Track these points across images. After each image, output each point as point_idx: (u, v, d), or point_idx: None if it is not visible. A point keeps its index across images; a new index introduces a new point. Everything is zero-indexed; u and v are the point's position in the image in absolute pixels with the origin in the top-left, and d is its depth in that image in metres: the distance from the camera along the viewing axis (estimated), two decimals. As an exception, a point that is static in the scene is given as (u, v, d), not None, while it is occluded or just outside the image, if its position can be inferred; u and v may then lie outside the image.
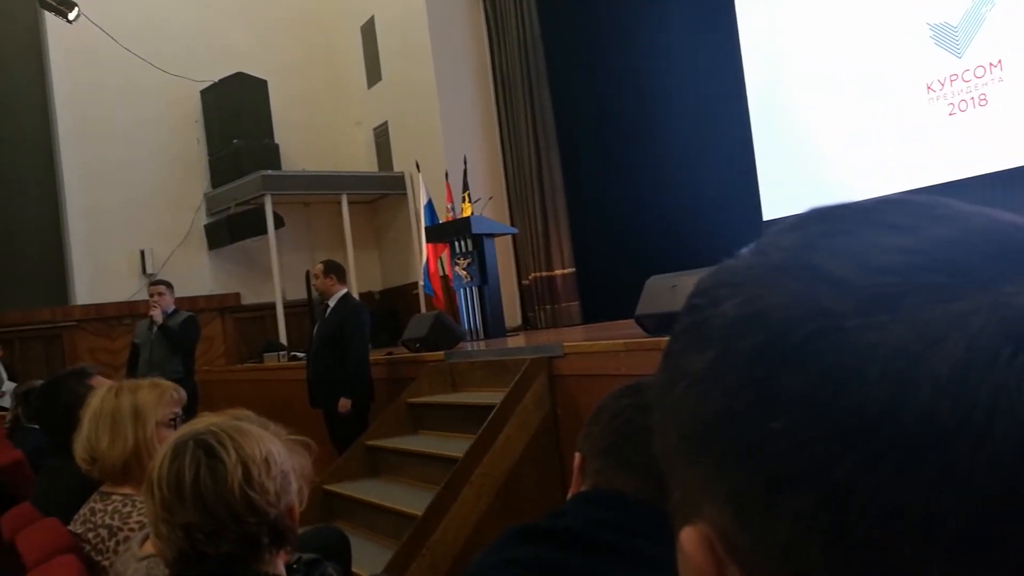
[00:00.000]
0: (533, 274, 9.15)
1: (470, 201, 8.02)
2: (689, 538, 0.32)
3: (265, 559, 1.20)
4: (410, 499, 3.93)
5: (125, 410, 1.95)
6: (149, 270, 9.70)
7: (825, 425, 0.27)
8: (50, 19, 8.61)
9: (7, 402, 7.63)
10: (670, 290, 3.49)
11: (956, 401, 0.25)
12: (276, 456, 1.26)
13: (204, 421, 1.32)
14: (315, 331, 5.33)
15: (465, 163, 8.28)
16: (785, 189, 7.22)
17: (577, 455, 1.00)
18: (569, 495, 0.97)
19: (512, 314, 8.65)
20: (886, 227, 0.30)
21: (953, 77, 5.75)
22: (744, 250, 0.35)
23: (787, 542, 0.27)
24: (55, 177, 9.69)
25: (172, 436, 1.33)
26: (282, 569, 1.28)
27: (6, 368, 8.42)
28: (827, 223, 0.32)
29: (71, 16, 8.06)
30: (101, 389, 2.08)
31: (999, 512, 0.24)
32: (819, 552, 0.27)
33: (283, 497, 1.22)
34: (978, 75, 5.60)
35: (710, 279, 0.34)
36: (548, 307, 9.00)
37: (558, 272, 8.95)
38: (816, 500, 0.26)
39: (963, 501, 0.24)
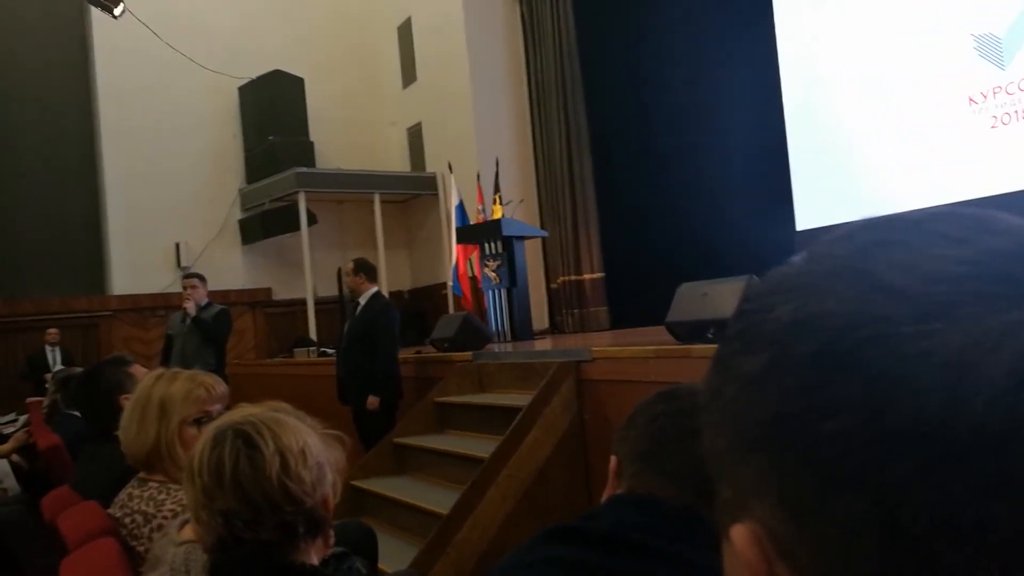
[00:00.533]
0: (562, 278, 9.15)
1: (501, 203, 8.04)
2: (740, 535, 0.32)
3: (300, 548, 1.23)
4: (436, 497, 3.96)
5: (154, 402, 1.98)
6: (184, 263, 9.87)
7: (879, 429, 0.27)
8: (95, 14, 8.79)
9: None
10: (701, 298, 3.48)
11: (1010, 409, 0.25)
12: (312, 448, 1.28)
13: (242, 412, 1.35)
14: (346, 328, 5.38)
15: (497, 165, 8.31)
16: (821, 200, 7.14)
17: (612, 458, 1.01)
18: (603, 497, 0.99)
19: (540, 317, 8.66)
20: (939, 238, 0.31)
21: (996, 89, 5.65)
22: (795, 258, 0.36)
23: (838, 542, 0.28)
24: (96, 170, 9.90)
25: (212, 425, 1.36)
26: (315, 559, 1.30)
27: (63, 353, 8.64)
28: (880, 233, 0.33)
29: (116, 12, 8.21)
30: (149, 376, 2.13)
31: None
32: (870, 553, 0.27)
33: (318, 488, 1.25)
34: (1023, 88, 5.50)
35: (762, 285, 0.35)
36: (576, 311, 8.99)
37: (587, 276, 8.94)
38: (868, 502, 0.27)
39: (1016, 507, 0.25)
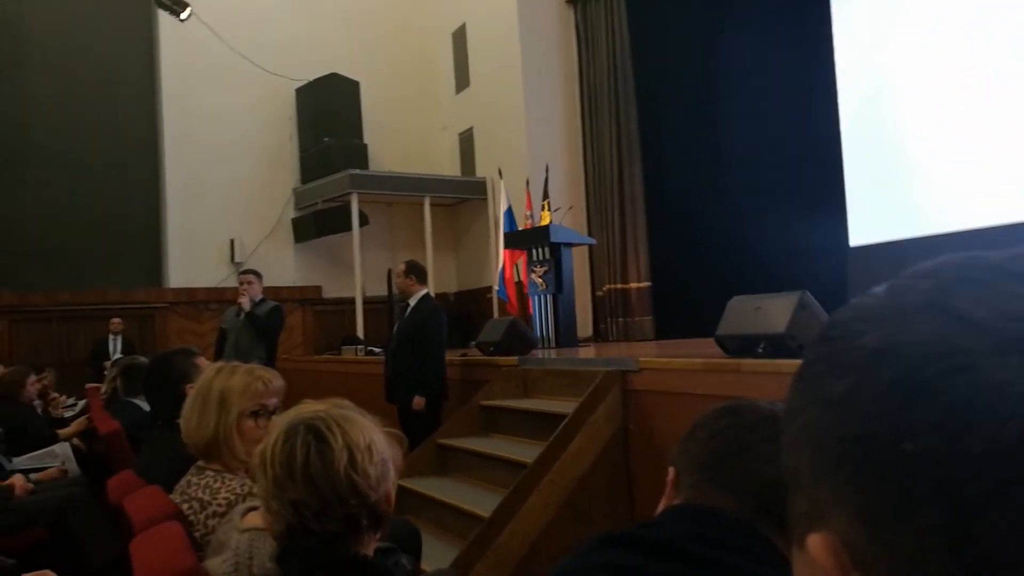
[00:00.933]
0: (608, 286, 9.14)
1: (549, 210, 8.07)
2: (817, 544, 0.35)
3: (363, 540, 1.28)
4: (478, 499, 4.00)
5: (214, 394, 2.06)
6: (237, 259, 10.13)
7: (957, 451, 0.30)
8: (163, 17, 9.10)
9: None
10: (753, 312, 3.46)
11: None
12: (378, 444, 1.34)
13: (311, 407, 1.41)
14: (395, 329, 5.47)
15: (547, 172, 8.35)
16: (877, 215, 7.02)
17: (671, 469, 1.03)
18: (660, 508, 1.01)
19: (584, 324, 8.66)
20: (1017, 278, 0.34)
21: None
22: (876, 289, 0.39)
23: (913, 555, 0.31)
24: (157, 166, 10.21)
25: (281, 418, 1.42)
26: (372, 550, 1.36)
27: (125, 342, 8.94)
28: (963, 271, 0.35)
29: (183, 15, 8.50)
30: (210, 368, 2.21)
31: None
32: (944, 566, 0.30)
33: (382, 483, 1.30)
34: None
35: (845, 314, 0.38)
36: (621, 320, 8.97)
37: (633, 286, 8.92)
38: (945, 518, 0.30)
39: None
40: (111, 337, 9.02)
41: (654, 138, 9.03)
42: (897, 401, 0.32)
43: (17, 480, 3.99)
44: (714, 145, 8.48)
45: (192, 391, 2.20)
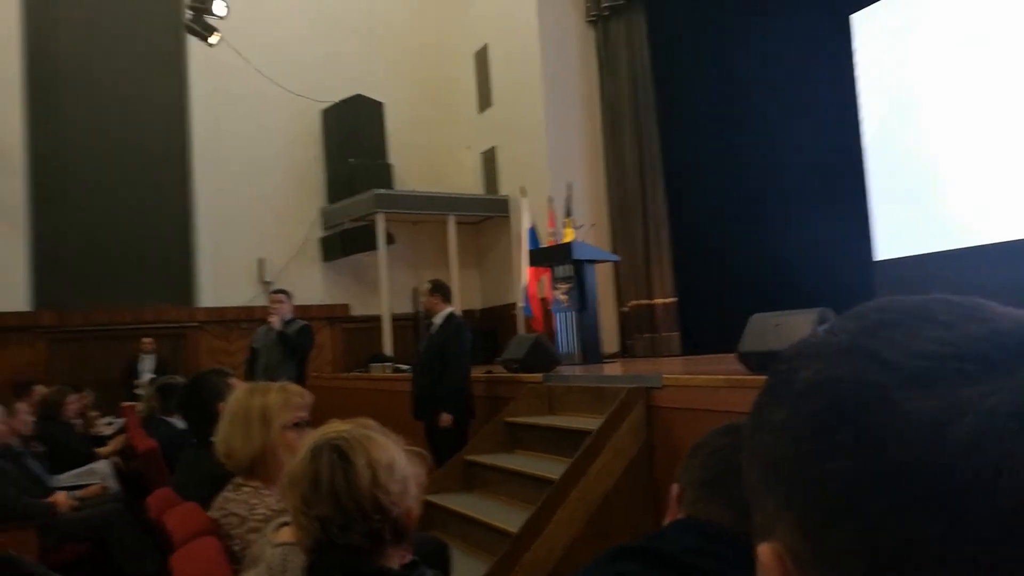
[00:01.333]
0: (633, 302, 9.16)
1: (573, 227, 8.13)
2: (764, 552, 0.41)
3: (386, 554, 1.35)
4: (504, 515, 4.05)
5: (255, 412, 2.15)
6: (266, 278, 10.31)
7: (867, 472, 0.36)
8: (192, 41, 9.35)
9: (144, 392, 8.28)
10: (773, 328, 3.49)
11: (970, 461, 0.34)
12: (399, 462, 1.41)
13: (335, 427, 1.49)
14: (421, 347, 5.55)
15: (569, 189, 8.41)
16: (902, 230, 6.99)
17: (675, 485, 1.09)
18: (665, 522, 1.07)
19: (610, 340, 8.69)
20: (930, 322, 0.39)
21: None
22: (820, 328, 0.45)
23: (835, 560, 0.37)
24: (187, 188, 10.45)
25: (308, 438, 1.50)
26: (396, 564, 1.42)
27: (157, 361, 9.14)
28: (882, 315, 0.41)
29: (212, 40, 8.73)
30: (238, 390, 2.30)
31: (999, 549, 0.33)
32: (858, 568, 0.36)
33: (403, 499, 1.38)
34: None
35: (793, 350, 0.44)
36: (647, 336, 8.99)
37: (659, 301, 8.93)
38: (858, 529, 0.36)
39: (971, 539, 0.33)
40: (142, 356, 9.21)
41: (676, 154, 9.07)
42: (821, 428, 0.38)
43: (60, 497, 4.12)
44: (737, 160, 8.50)
45: (227, 413, 2.29)
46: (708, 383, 3.64)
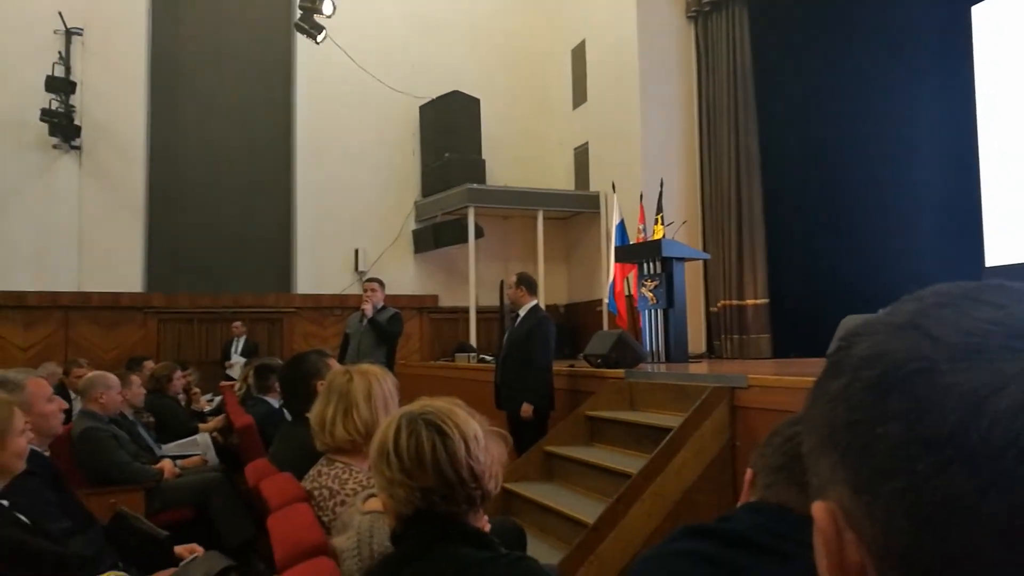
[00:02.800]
0: (722, 302, 9.00)
1: (663, 224, 8.05)
2: (819, 509, 0.46)
3: (479, 516, 1.46)
4: (581, 506, 4.09)
5: (357, 393, 2.26)
6: (360, 267, 10.67)
7: (913, 435, 0.40)
8: (300, 38, 9.74)
9: (235, 372, 8.73)
10: (866, 332, 3.38)
11: (1008, 428, 0.37)
12: (481, 434, 1.50)
13: (422, 403, 1.58)
14: (505, 338, 5.64)
15: (661, 186, 8.33)
16: (1016, 236, 6.61)
17: (748, 471, 1.12)
18: (738, 504, 1.09)
19: (697, 341, 8.56)
20: (982, 303, 0.43)
21: None
22: (882, 310, 0.49)
23: (884, 513, 0.41)
24: (290, 180, 10.91)
25: (398, 415, 1.59)
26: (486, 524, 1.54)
27: (247, 344, 9.63)
28: (939, 297, 0.45)
29: (319, 38, 9.08)
30: (336, 371, 2.43)
31: None
32: (904, 521, 0.40)
33: (492, 468, 1.47)
34: None
35: (854, 327, 0.48)
36: (735, 337, 8.81)
37: (750, 302, 8.74)
38: (903, 485, 0.39)
39: (1004, 498, 0.37)
40: (234, 339, 9.68)
41: (775, 152, 8.84)
42: (873, 396, 0.42)
43: (166, 464, 4.42)
44: (838, 160, 8.22)
45: (323, 390, 2.42)
46: (795, 384, 3.57)
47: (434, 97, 10.83)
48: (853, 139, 8.03)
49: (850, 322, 3.57)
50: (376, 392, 2.32)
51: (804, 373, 4.01)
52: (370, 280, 6.62)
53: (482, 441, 1.48)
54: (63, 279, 9.66)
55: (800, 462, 1.06)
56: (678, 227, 7.98)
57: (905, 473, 0.39)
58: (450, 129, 10.68)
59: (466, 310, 10.34)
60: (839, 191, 8.16)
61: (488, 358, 7.66)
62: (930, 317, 0.43)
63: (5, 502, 1.98)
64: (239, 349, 9.53)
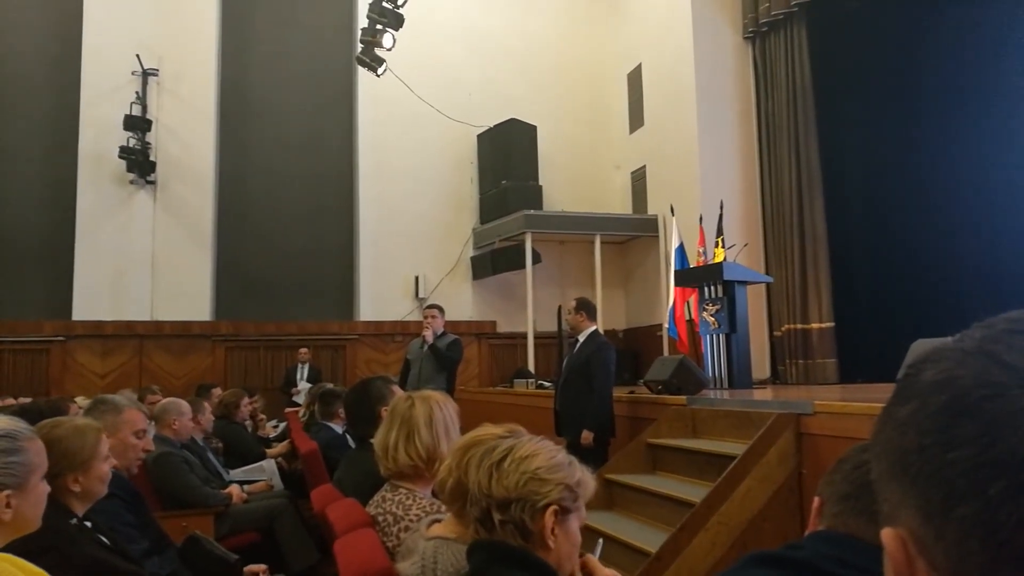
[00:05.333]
0: (786, 326, 8.81)
1: (723, 246, 7.96)
2: (888, 536, 0.46)
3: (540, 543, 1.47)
4: (643, 535, 4.03)
5: (418, 419, 2.29)
6: (420, 294, 10.82)
7: (985, 459, 0.40)
8: (361, 72, 10.03)
9: (300, 398, 8.91)
10: (938, 356, 3.27)
11: None
12: (543, 456, 1.50)
13: (487, 431, 1.60)
14: (564, 364, 5.63)
15: (721, 208, 8.25)
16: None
17: (816, 498, 1.10)
18: (806, 533, 1.07)
19: (760, 366, 8.39)
20: None
21: None
22: (951, 337, 0.49)
23: (956, 539, 0.41)
24: (352, 208, 11.18)
25: (464, 442, 1.61)
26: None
27: (311, 371, 9.83)
28: (1011, 323, 0.45)
29: (380, 71, 9.33)
30: (398, 396, 2.47)
31: None
32: (977, 546, 0.40)
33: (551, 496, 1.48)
34: None
35: (923, 354, 0.49)
36: (800, 362, 8.60)
37: (815, 326, 8.53)
38: (975, 509, 0.40)
39: None
40: (299, 366, 9.88)
41: (837, 172, 8.66)
42: (944, 420, 0.43)
43: (234, 489, 4.53)
44: (905, 179, 8.00)
45: (387, 416, 2.46)
46: (862, 411, 3.46)
47: (491, 125, 10.99)
48: (921, 157, 7.81)
49: (921, 347, 3.47)
50: (437, 417, 2.34)
51: (872, 399, 3.89)
52: (430, 307, 6.70)
53: (551, 471, 1.48)
54: (138, 308, 10.06)
55: (869, 491, 1.04)
56: (739, 250, 7.87)
57: (977, 498, 0.39)
58: (507, 156, 10.81)
59: (524, 336, 10.36)
60: (906, 211, 7.94)
61: (547, 384, 7.64)
62: (1001, 343, 0.43)
63: (88, 523, 2.07)
64: (304, 375, 9.72)
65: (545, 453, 1.51)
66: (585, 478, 1.54)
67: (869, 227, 8.33)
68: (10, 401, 6.81)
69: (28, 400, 7.03)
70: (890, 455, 0.46)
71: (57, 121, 10.26)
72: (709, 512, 3.58)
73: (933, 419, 0.43)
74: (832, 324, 8.44)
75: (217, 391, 7.36)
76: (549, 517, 1.46)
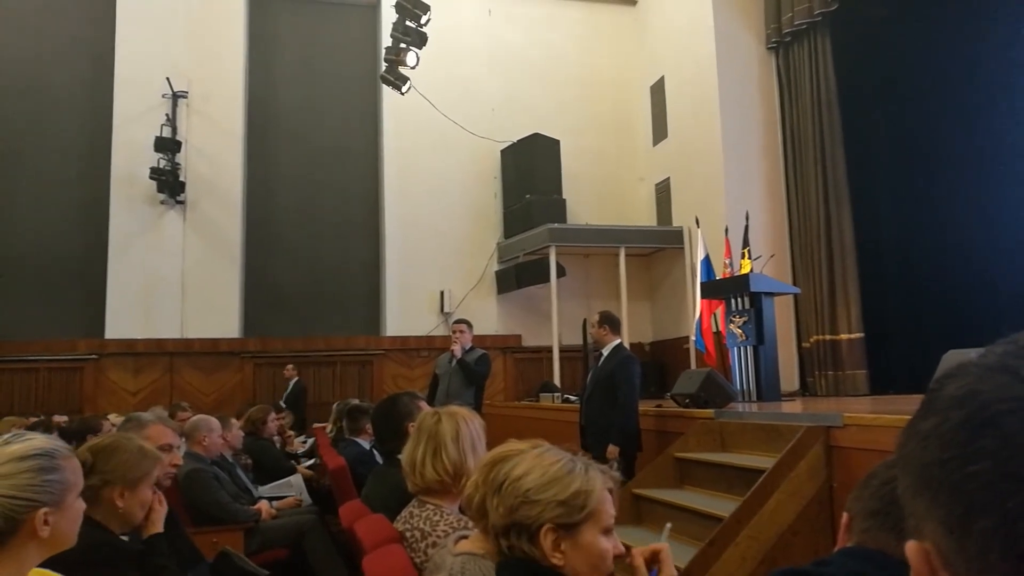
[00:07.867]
0: (815, 337, 8.71)
1: (750, 258, 7.90)
2: (912, 549, 0.46)
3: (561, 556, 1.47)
4: (672, 550, 3.98)
5: (445, 434, 2.30)
6: (446, 309, 10.86)
7: (1003, 472, 0.40)
8: (386, 90, 10.15)
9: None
10: (970, 367, 3.22)
11: None
12: (566, 478, 1.50)
13: (513, 446, 1.61)
14: (588, 378, 5.61)
15: (747, 219, 8.20)
16: None
17: (845, 514, 1.09)
18: (835, 550, 1.07)
19: (789, 378, 8.29)
20: None
21: None
22: (975, 353, 0.49)
23: (976, 552, 0.41)
24: (378, 224, 11.29)
25: (487, 459, 1.62)
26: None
27: (296, 387, 9.73)
28: None
29: (404, 89, 9.43)
30: (425, 412, 2.48)
31: None
32: (997, 559, 0.40)
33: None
34: None
35: (947, 369, 0.49)
36: (830, 373, 8.49)
37: (843, 337, 8.42)
38: (994, 522, 0.40)
39: None
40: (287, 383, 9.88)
41: (865, 181, 8.58)
42: (964, 434, 0.43)
43: (263, 505, 4.57)
44: (933, 188, 7.90)
45: (414, 432, 2.47)
46: (893, 423, 3.42)
47: (515, 140, 11.04)
48: (946, 160, 7.71)
49: (953, 358, 3.41)
50: (464, 433, 2.35)
51: (904, 411, 3.83)
52: (458, 321, 6.72)
53: (571, 486, 1.49)
54: (168, 326, 10.22)
55: (898, 506, 1.03)
56: (766, 261, 7.82)
57: (996, 511, 0.40)
58: (531, 171, 10.85)
59: (549, 349, 10.35)
60: (936, 218, 7.83)
61: (572, 398, 7.62)
62: (1022, 359, 0.44)
63: (124, 538, 2.11)
64: (284, 394, 9.70)
65: (540, 468, 1.50)
66: (587, 486, 1.50)
67: (898, 236, 8.23)
68: (42, 418, 6.94)
69: (63, 418, 7.16)
70: (914, 469, 0.47)
71: (90, 145, 10.50)
72: (738, 527, 3.55)
73: (954, 433, 0.44)
74: (861, 335, 8.33)
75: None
76: (545, 538, 1.45)
